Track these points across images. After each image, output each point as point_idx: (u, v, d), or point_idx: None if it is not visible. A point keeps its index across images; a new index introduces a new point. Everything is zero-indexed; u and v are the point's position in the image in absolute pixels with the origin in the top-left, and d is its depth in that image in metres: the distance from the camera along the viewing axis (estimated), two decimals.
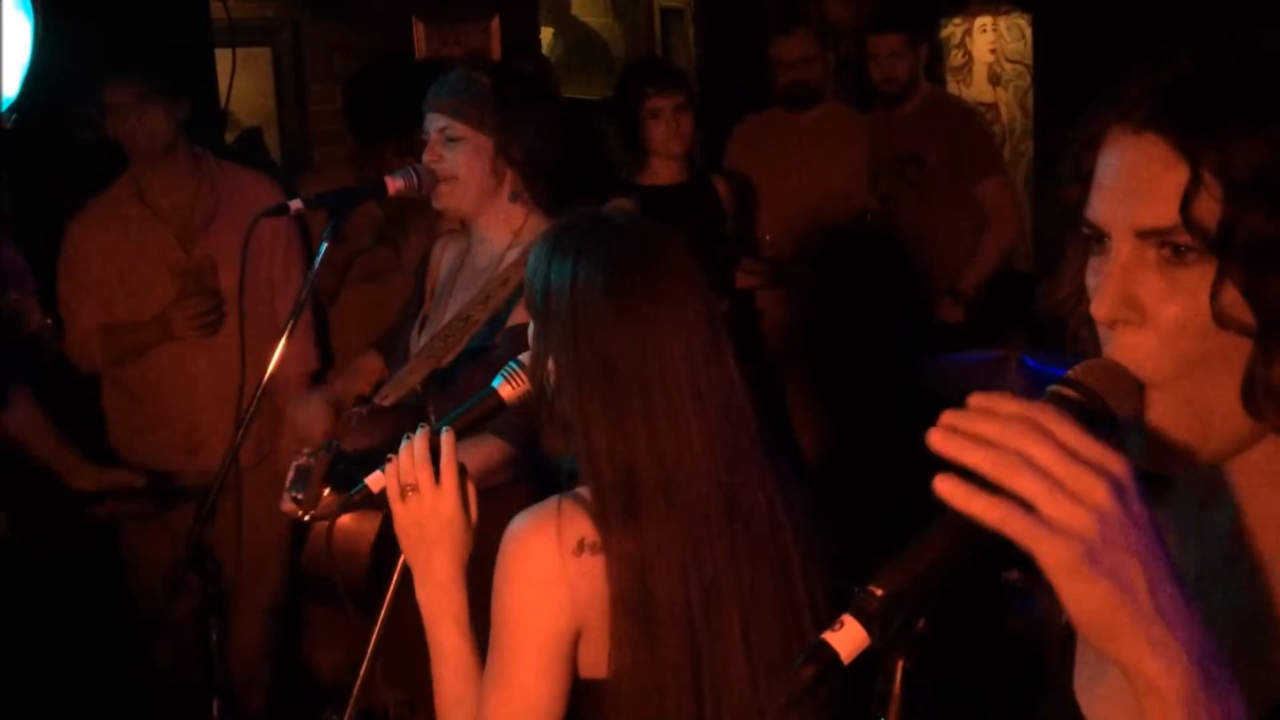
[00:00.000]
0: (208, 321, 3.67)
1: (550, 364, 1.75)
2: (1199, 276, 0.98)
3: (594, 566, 1.68)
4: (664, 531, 1.68)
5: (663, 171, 4.32)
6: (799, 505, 1.80)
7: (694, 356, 1.72)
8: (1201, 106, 0.98)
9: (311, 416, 2.80)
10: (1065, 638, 1.20)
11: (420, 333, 2.78)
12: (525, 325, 2.42)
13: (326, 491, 2.30)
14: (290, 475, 2.08)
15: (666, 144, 4.28)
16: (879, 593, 0.93)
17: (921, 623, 0.96)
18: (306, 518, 2.33)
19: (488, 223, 2.71)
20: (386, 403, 2.57)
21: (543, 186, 2.67)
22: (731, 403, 1.74)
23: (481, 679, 1.73)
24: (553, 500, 1.73)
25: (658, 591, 1.68)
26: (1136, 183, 1.00)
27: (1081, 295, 1.08)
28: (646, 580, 1.67)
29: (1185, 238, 0.97)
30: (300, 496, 2.28)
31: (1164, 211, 0.98)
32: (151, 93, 3.63)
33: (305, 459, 2.27)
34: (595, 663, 1.72)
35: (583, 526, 1.69)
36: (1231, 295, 0.97)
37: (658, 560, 1.68)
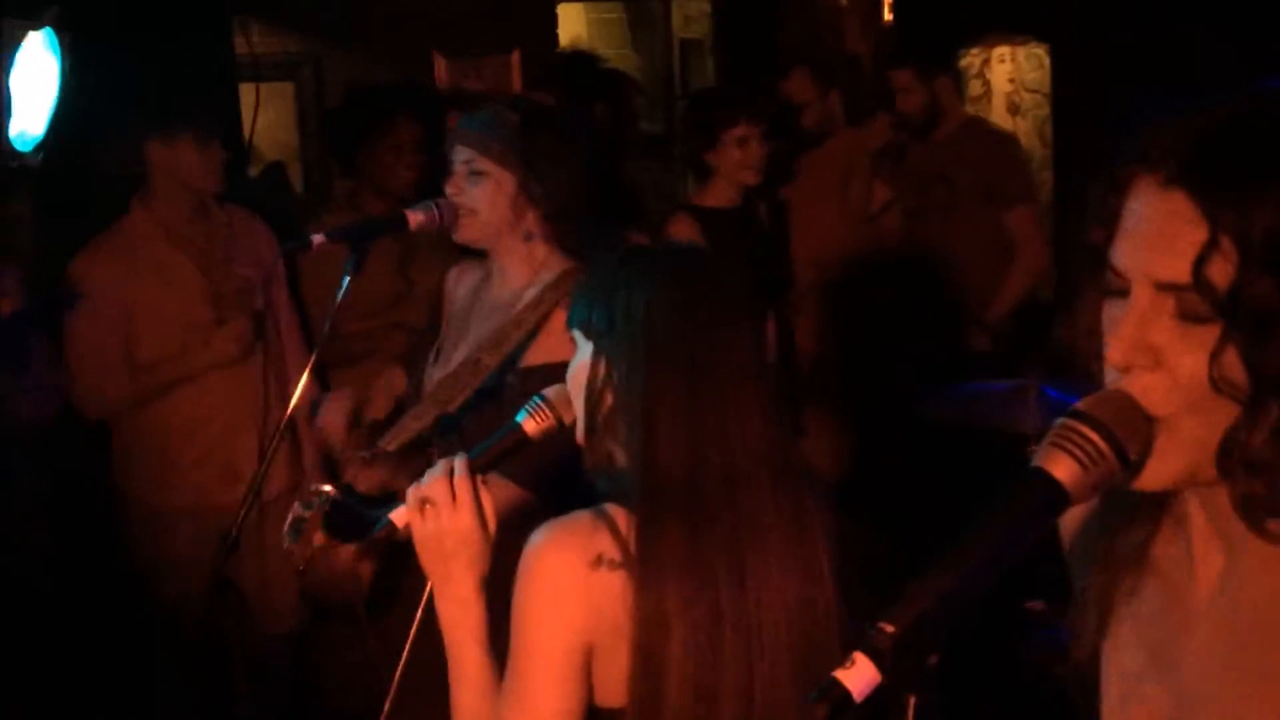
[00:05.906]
0: (249, 342, 3.69)
1: (615, 382, 1.77)
2: (1211, 334, 0.99)
3: (613, 583, 1.68)
4: (721, 534, 1.71)
5: (723, 195, 4.30)
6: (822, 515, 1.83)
7: (759, 358, 1.84)
8: (1227, 168, 1.00)
9: (331, 415, 2.82)
10: (1087, 664, 1.20)
11: (436, 363, 2.75)
12: (543, 366, 2.43)
13: (321, 540, 2.29)
14: (288, 521, 2.08)
15: (740, 170, 4.25)
16: (890, 629, 0.94)
17: (934, 659, 0.97)
18: (301, 568, 2.32)
19: (507, 258, 2.69)
20: (391, 447, 2.55)
21: (564, 227, 2.65)
22: (777, 404, 1.83)
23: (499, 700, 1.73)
24: (582, 513, 1.74)
25: (719, 600, 1.69)
26: (1159, 237, 1.02)
27: (1097, 330, 1.10)
28: (697, 591, 1.68)
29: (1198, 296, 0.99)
30: (294, 547, 2.26)
31: (1182, 268, 1.00)
32: (207, 136, 3.64)
33: (301, 509, 2.24)
34: (607, 686, 1.71)
35: (604, 542, 1.70)
36: (1231, 359, 0.99)
37: (710, 568, 1.70)
